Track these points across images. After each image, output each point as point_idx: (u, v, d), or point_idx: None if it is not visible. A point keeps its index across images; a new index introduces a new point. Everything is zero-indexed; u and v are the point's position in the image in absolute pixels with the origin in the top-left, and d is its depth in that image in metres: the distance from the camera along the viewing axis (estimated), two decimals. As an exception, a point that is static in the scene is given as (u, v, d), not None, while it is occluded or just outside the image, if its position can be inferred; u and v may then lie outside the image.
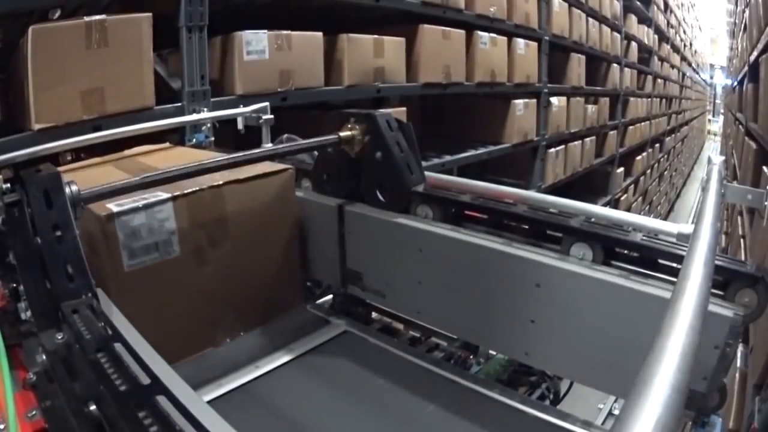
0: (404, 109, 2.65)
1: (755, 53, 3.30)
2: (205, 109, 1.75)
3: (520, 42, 3.57)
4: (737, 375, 1.94)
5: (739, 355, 2.01)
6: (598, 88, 5.51)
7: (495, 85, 3.36)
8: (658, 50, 8.55)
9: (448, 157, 3.06)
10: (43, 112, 1.38)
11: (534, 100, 3.87)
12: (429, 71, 2.75)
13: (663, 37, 8.97)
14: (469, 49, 3.06)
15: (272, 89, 1.98)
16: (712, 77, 22.05)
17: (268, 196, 1.16)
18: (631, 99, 6.80)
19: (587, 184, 5.60)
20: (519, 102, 3.63)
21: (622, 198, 6.61)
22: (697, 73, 16.29)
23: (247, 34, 1.88)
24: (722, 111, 14.68)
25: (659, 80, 8.75)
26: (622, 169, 6.49)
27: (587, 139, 4.99)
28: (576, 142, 4.70)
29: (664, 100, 9.35)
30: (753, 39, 3.59)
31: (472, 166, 3.56)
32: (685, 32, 12.25)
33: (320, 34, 2.16)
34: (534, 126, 3.92)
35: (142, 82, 1.57)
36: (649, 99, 7.97)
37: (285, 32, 2.00)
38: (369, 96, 2.49)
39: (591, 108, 5.11)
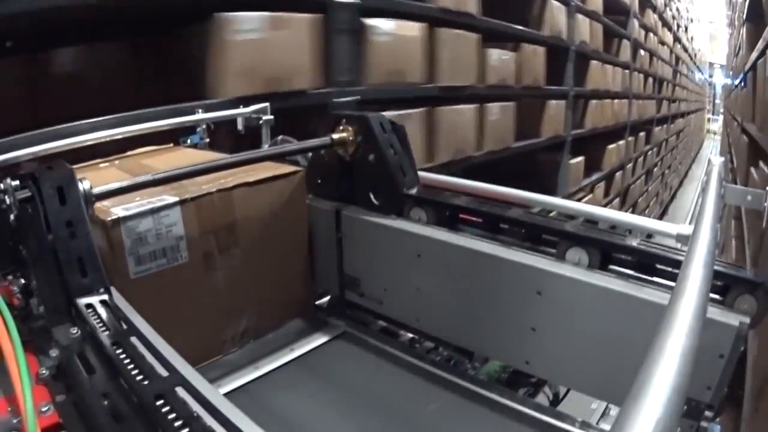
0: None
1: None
2: (200, 111, 1.75)
3: None
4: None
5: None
6: (517, 26, 3.44)
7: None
8: (641, 16, 6.74)
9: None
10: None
11: (306, 17, 1.90)
12: None
13: (647, 2, 7.13)
14: None
15: None
16: (711, 76, 21.17)
17: (279, 200, 1.14)
18: (593, 62, 4.86)
19: (534, 178, 4.00)
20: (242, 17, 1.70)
21: (586, 199, 4.86)
22: (695, 61, 14.50)
23: None
24: (722, 110, 14.21)
25: (642, 51, 6.95)
26: (580, 159, 4.57)
27: (494, 105, 3.12)
28: (461, 106, 2.79)
29: (651, 80, 7.69)
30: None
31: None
32: (678, 11, 10.58)
33: None
34: (309, 62, 1.94)
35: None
36: (626, 71, 6.14)
37: None
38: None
39: (498, 55, 3.16)
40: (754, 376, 1.65)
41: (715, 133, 19.17)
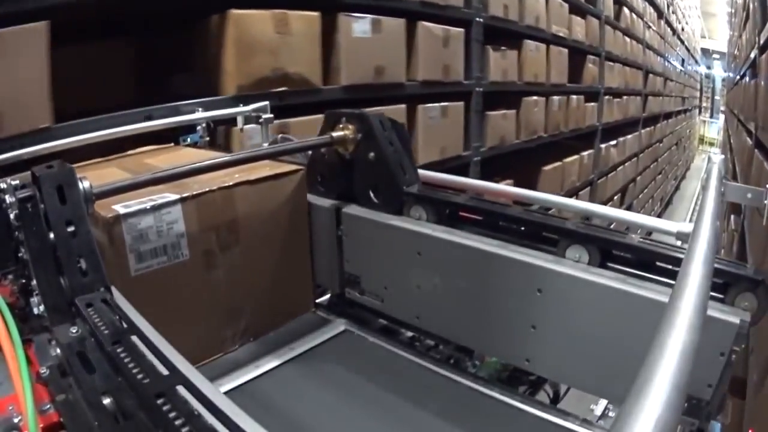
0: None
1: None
2: (200, 109, 1.75)
3: None
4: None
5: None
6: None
7: None
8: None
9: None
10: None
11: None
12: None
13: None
14: None
15: None
16: (709, 68, 18.22)
17: (280, 198, 1.14)
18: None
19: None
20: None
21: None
22: (684, 42, 11.84)
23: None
24: (722, 108, 11.82)
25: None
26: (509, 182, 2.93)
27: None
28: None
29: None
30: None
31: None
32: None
33: None
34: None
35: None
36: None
37: None
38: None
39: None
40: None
41: (712, 144, 16.14)
